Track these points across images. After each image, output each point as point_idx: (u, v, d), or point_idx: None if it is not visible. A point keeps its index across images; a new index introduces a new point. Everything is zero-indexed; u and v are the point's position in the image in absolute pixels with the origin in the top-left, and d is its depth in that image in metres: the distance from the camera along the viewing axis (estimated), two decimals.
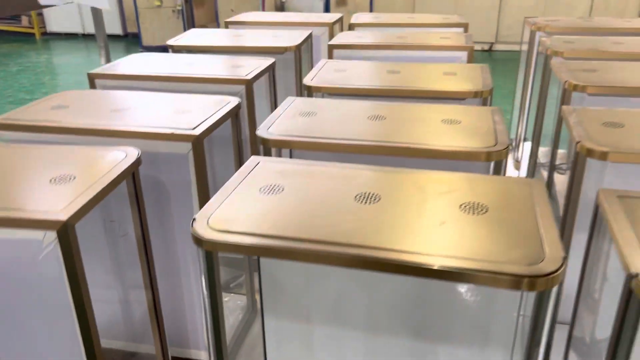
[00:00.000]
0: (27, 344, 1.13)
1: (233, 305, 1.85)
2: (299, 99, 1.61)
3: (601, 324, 1.28)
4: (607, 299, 1.22)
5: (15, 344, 1.13)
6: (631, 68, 1.86)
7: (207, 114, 1.48)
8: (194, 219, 0.94)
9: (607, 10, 5.66)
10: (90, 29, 6.26)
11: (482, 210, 0.97)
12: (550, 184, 1.98)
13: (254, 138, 1.87)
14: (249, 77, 1.85)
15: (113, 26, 6.98)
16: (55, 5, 2.91)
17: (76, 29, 7.21)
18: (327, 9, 6.14)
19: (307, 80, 1.80)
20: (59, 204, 1.00)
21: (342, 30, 3.03)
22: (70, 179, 1.10)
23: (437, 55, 2.27)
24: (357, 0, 6.12)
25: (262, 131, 1.36)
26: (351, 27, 2.86)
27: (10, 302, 1.07)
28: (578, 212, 1.41)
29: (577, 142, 1.28)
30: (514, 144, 3.18)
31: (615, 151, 1.22)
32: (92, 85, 1.95)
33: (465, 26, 2.80)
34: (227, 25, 3.03)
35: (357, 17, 3.01)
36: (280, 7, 6.05)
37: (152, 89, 1.93)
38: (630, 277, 0.81)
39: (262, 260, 1.15)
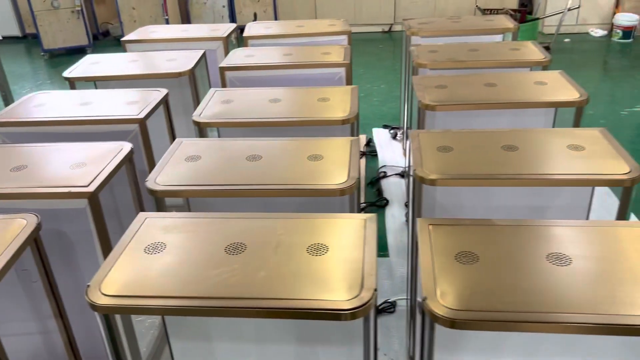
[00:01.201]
0: None
1: (150, 323, 2.06)
2: (186, 141, 1.80)
3: None
4: None
5: None
6: (478, 80, 2.18)
7: (101, 166, 1.64)
8: (88, 286, 1.15)
9: None
10: None
11: (323, 251, 1.23)
12: None
13: None
14: (142, 115, 2.01)
15: (10, 27, 6.70)
16: None
17: None
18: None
19: (196, 115, 1.99)
20: None
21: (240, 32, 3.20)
22: None
23: (318, 72, 2.52)
24: None
25: (150, 182, 1.55)
26: (245, 40, 3.04)
27: None
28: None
29: (414, 170, 1.56)
30: (403, 133, 3.50)
31: (441, 178, 1.52)
32: None
33: (348, 33, 3.05)
34: (124, 45, 3.13)
35: (250, 29, 3.19)
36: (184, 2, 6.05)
37: (51, 132, 2.07)
38: (422, 299, 1.10)
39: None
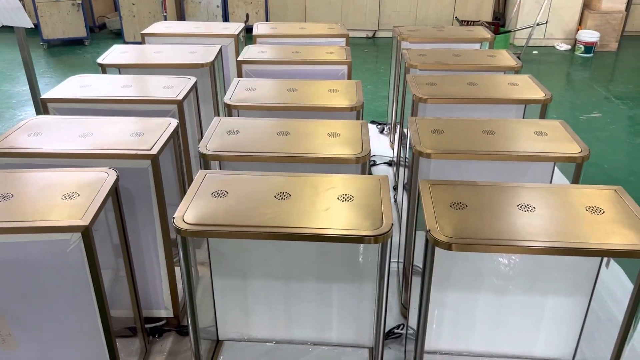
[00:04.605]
0: (56, 314, 1.63)
1: (179, 275, 2.40)
2: (224, 119, 2.16)
3: None
4: None
5: (46, 314, 1.63)
6: (462, 80, 2.59)
7: (157, 136, 1.99)
8: (174, 218, 1.50)
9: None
10: None
11: (350, 199, 1.61)
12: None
13: (187, 150, 2.42)
14: (180, 97, 2.36)
15: None
16: None
17: None
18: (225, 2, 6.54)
19: (227, 99, 2.35)
20: (79, 214, 1.51)
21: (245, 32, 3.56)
22: (76, 195, 1.60)
23: (324, 68, 2.90)
24: None
25: (202, 148, 1.91)
26: (254, 38, 3.40)
27: (48, 282, 1.57)
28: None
29: (413, 147, 1.96)
30: (390, 127, 3.92)
31: (434, 152, 1.92)
32: (45, 108, 2.36)
33: (346, 36, 3.45)
34: (143, 37, 3.45)
35: (258, 28, 3.55)
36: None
37: (100, 109, 2.39)
38: (426, 232, 1.48)
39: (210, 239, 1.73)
